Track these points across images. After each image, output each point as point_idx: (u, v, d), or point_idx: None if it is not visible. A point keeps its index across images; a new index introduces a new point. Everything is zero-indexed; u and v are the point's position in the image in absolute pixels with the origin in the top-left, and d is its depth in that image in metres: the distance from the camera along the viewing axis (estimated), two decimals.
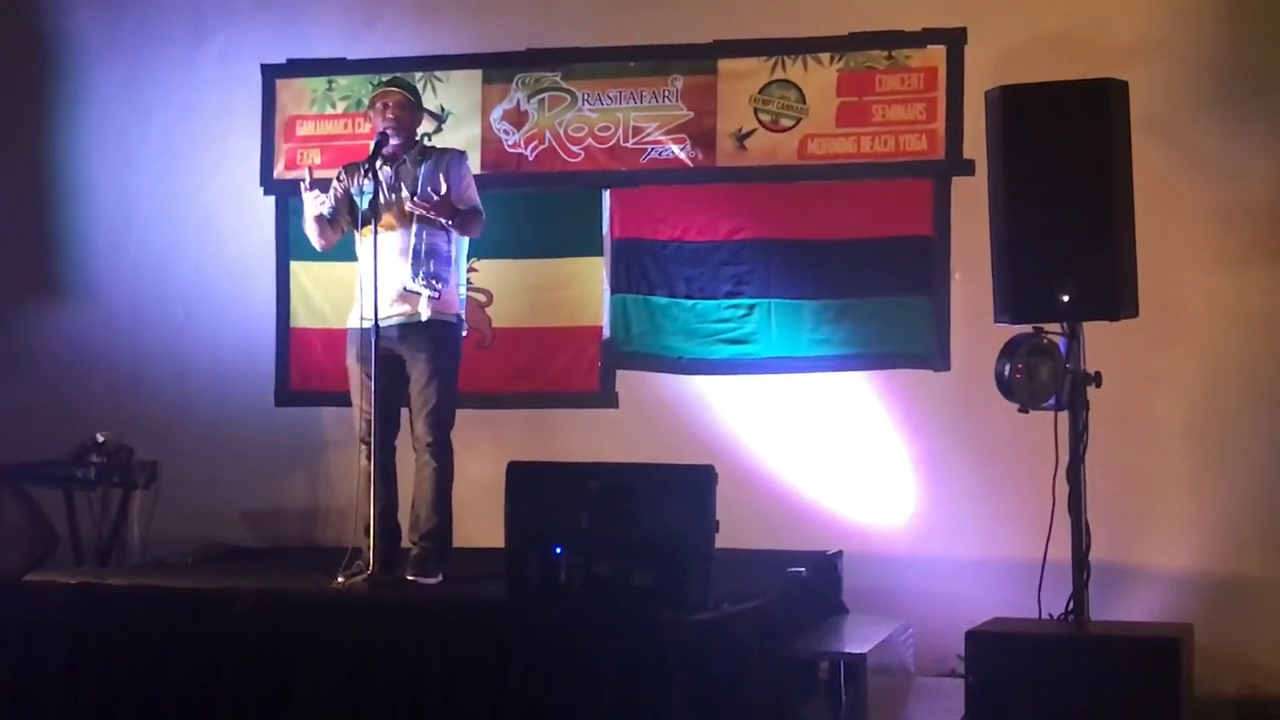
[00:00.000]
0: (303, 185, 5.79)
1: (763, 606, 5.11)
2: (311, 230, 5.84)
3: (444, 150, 5.96)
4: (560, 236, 7.03)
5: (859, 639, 5.51)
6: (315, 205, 5.74)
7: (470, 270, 6.44)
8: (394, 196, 5.72)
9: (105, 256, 7.49)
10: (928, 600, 6.23)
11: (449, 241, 5.78)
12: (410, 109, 5.85)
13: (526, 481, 5.09)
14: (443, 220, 5.64)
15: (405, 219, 5.70)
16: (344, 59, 7.24)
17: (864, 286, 6.67)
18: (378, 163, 5.69)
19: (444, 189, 5.64)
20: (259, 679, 5.06)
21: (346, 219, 5.83)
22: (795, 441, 6.69)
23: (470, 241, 6.01)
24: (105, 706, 5.15)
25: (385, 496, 5.68)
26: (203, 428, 7.19)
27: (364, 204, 5.72)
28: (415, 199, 5.63)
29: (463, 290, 5.98)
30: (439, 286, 5.67)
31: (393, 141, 5.77)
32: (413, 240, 5.68)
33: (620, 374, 6.94)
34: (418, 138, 5.95)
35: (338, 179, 5.93)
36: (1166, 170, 6.18)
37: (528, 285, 7.04)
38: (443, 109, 7.02)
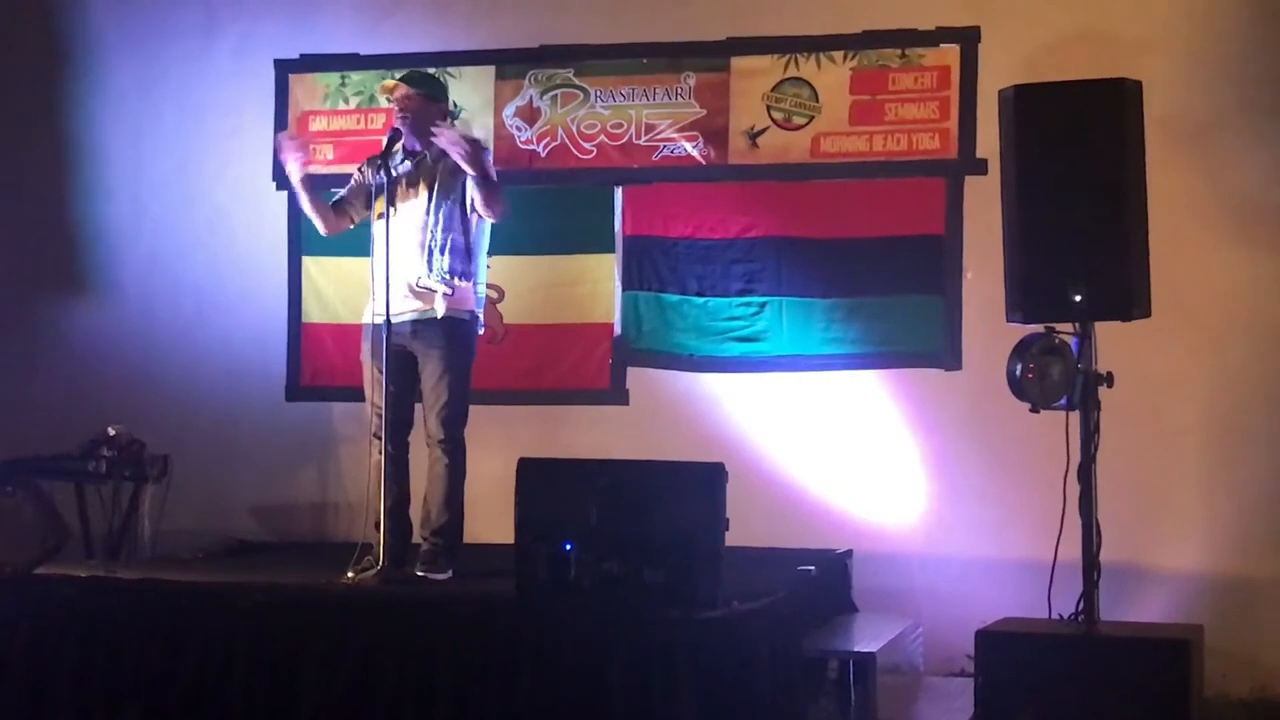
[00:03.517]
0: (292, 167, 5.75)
1: (772, 605, 5.10)
2: (313, 215, 5.86)
3: None
4: (572, 233, 7.03)
5: (868, 638, 5.50)
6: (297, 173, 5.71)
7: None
8: (411, 191, 5.71)
9: (118, 251, 7.50)
10: (937, 600, 6.24)
11: (465, 234, 5.72)
12: (420, 101, 5.79)
13: (537, 478, 5.08)
14: (470, 171, 5.54)
15: (420, 213, 5.69)
16: (357, 54, 7.24)
17: (876, 285, 6.66)
18: (395, 158, 5.69)
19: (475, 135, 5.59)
20: (269, 674, 5.06)
21: (361, 208, 5.83)
22: (806, 440, 6.68)
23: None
24: (116, 700, 5.15)
25: (396, 492, 5.67)
26: (214, 422, 7.19)
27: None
28: (444, 133, 5.55)
29: (482, 289, 5.92)
30: (454, 283, 5.66)
31: (407, 136, 5.76)
32: (427, 236, 5.66)
33: (631, 371, 6.93)
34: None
35: (359, 171, 5.94)
36: (1180, 170, 6.16)
37: (539, 282, 7.04)
38: (455, 105, 7.03)
